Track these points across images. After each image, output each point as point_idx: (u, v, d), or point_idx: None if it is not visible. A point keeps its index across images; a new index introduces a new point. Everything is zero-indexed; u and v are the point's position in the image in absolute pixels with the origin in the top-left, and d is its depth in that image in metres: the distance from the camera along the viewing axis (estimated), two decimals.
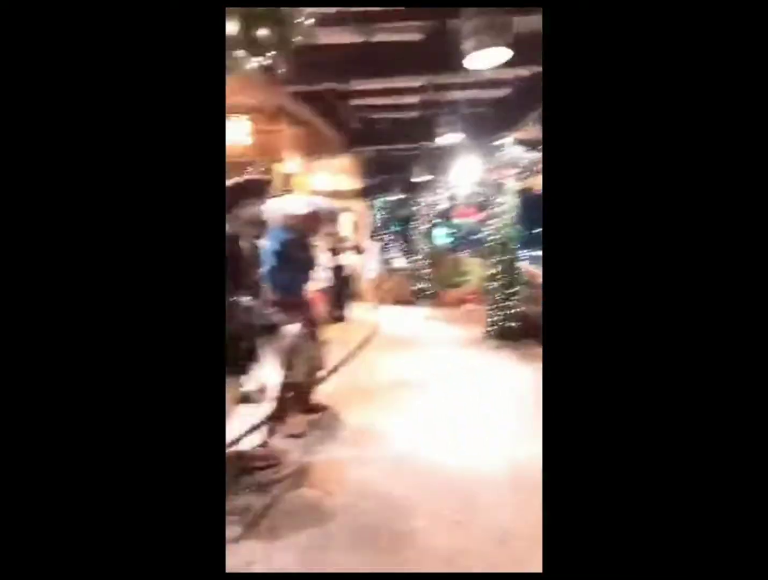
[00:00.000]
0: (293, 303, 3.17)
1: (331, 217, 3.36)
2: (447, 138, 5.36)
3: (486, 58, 2.86)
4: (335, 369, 4.92)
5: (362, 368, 5.13)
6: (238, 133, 5.98)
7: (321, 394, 4.06)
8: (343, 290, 7.92)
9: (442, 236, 14.88)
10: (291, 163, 7.96)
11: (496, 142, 6.13)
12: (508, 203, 5.93)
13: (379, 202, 12.48)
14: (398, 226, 12.89)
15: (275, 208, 3.19)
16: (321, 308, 6.19)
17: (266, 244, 3.15)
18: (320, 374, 3.88)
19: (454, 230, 15.40)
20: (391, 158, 9.29)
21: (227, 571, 1.03)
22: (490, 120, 6.11)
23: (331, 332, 6.75)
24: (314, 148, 7.06)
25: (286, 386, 3.15)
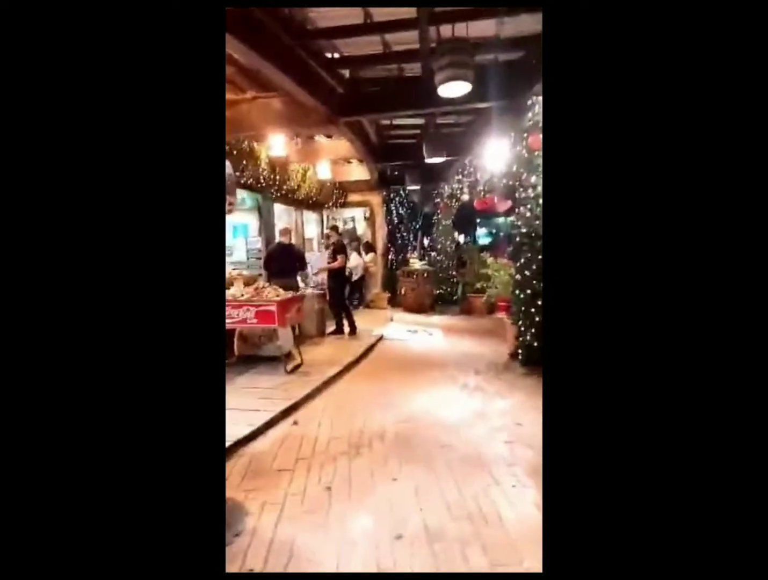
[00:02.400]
0: None
1: None
2: (453, 88, 3.81)
3: None
4: (288, 413, 3.49)
5: (326, 411, 3.67)
6: None
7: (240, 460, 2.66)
8: (338, 296, 6.49)
9: (483, 237, 13.24)
10: (275, 144, 6.64)
11: (528, 101, 4.54)
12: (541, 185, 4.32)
13: (398, 194, 10.96)
14: (417, 223, 11.31)
15: None
16: (288, 319, 4.79)
17: None
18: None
19: (495, 230, 13.83)
20: (396, 135, 7.76)
21: None
22: (517, 65, 4.52)
23: (313, 352, 5.42)
24: (295, 121, 5.68)
25: None
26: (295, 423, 3.38)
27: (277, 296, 4.57)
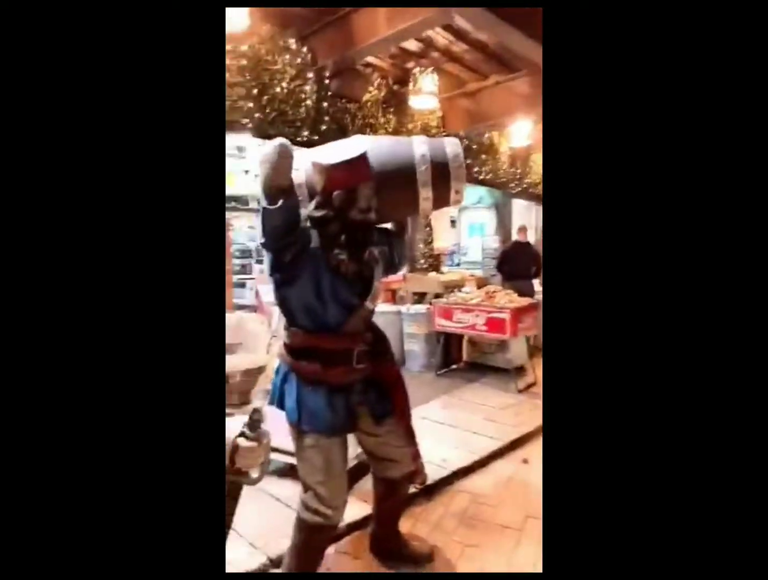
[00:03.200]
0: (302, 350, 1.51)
1: (425, 173, 1.50)
2: None
3: None
4: (517, 445, 2.90)
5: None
6: (421, 95, 4.34)
7: None
8: None
9: None
10: (518, 132, 6.00)
11: None
12: None
13: None
14: None
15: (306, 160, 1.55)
16: (521, 329, 4.05)
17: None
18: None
19: None
20: None
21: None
22: None
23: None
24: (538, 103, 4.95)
25: None
26: (525, 462, 2.78)
27: (511, 302, 4.01)
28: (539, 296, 5.51)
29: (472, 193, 8.02)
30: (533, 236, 7.83)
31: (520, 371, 4.22)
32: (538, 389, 4.02)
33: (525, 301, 4.15)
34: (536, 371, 4.23)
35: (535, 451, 2.93)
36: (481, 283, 5.33)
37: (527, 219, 7.89)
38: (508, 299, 4.04)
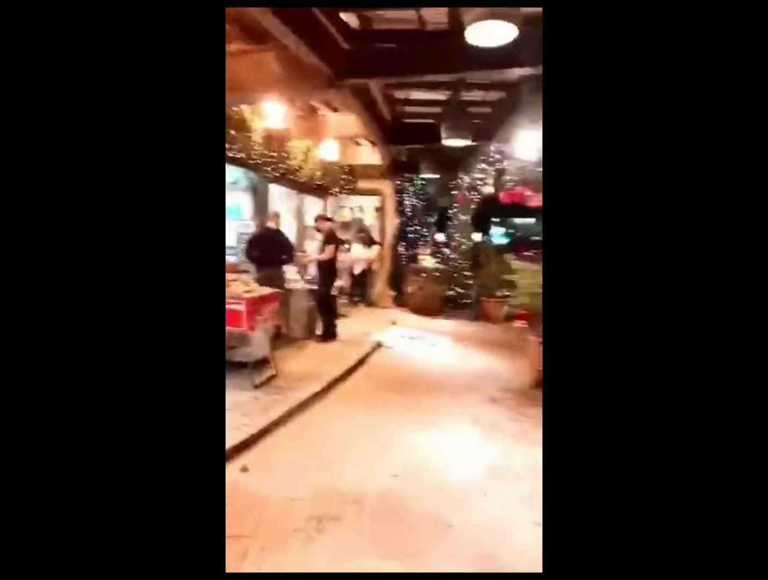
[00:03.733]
0: None
1: None
2: (491, 32, 2.84)
3: None
4: (241, 449, 2.59)
5: (291, 452, 2.76)
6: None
7: None
8: (322, 292, 5.56)
9: (499, 236, 12.44)
10: (272, 113, 5.72)
11: None
12: None
13: (413, 183, 9.95)
14: (431, 216, 10.28)
15: None
16: (260, 321, 3.86)
17: None
18: None
19: (512, 230, 12.99)
20: (412, 112, 6.80)
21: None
22: None
23: (294, 360, 4.49)
24: (291, 84, 4.75)
25: None
26: (244, 470, 2.49)
27: (249, 292, 3.68)
28: (292, 285, 5.40)
29: (227, 172, 7.38)
30: (293, 224, 7.72)
31: (261, 364, 3.95)
32: (279, 381, 3.83)
33: (264, 290, 3.88)
34: (277, 364, 4.04)
35: (257, 454, 2.69)
36: (231, 271, 4.85)
37: (287, 206, 7.73)
38: (244, 288, 3.70)
